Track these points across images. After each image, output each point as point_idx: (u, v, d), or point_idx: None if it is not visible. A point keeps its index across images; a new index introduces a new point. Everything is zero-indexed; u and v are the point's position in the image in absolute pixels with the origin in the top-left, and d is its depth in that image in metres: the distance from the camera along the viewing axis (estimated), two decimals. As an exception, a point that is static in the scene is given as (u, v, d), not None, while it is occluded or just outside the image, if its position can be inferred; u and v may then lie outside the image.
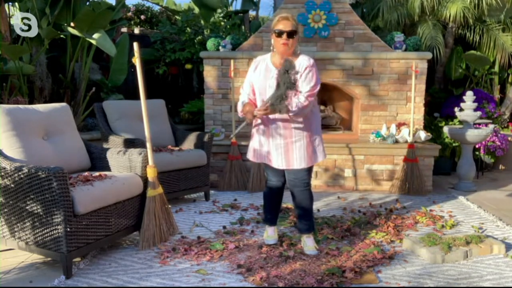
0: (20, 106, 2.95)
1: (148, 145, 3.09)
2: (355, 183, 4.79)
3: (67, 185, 2.49)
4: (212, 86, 5.24)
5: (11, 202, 2.64)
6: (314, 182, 4.77)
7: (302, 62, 2.72)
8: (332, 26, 5.11)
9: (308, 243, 2.95)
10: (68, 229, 2.49)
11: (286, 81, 2.50)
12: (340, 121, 5.63)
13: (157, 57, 6.57)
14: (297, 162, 2.80)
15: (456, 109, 4.81)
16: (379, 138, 4.88)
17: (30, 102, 4.70)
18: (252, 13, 8.66)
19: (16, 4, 5.31)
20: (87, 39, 4.66)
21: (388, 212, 3.89)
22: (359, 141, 4.96)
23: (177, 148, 4.20)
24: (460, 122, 5.17)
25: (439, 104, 6.19)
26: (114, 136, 4.06)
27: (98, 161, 3.27)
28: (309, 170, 2.88)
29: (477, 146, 5.58)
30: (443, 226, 3.50)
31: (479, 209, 4.03)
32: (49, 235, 2.53)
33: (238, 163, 4.72)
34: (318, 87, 2.74)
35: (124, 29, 7.21)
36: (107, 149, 3.28)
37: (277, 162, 2.84)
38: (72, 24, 4.98)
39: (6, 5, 5.01)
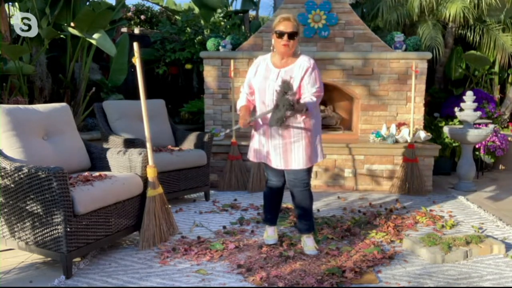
0: (20, 106, 2.96)
1: (148, 145, 3.09)
2: (355, 183, 4.79)
3: (67, 185, 2.49)
4: (212, 86, 5.24)
5: (11, 202, 2.64)
6: (314, 182, 4.77)
7: (303, 63, 2.73)
8: (332, 26, 5.11)
9: (308, 243, 2.95)
10: (68, 229, 2.49)
11: (285, 103, 2.50)
12: (340, 121, 5.63)
13: (157, 57, 6.57)
14: (296, 162, 2.80)
15: (456, 109, 4.81)
16: (379, 138, 4.88)
17: (30, 102, 4.70)
18: (252, 13, 8.66)
19: (16, 4, 5.31)
20: (87, 39, 4.66)
21: (388, 212, 3.89)
22: (359, 141, 4.96)
23: (177, 148, 4.21)
24: (460, 122, 5.18)
25: (439, 104, 6.18)
26: (114, 136, 4.06)
27: (98, 161, 3.27)
28: (308, 170, 2.88)
29: (477, 146, 5.58)
30: (443, 226, 3.50)
31: (479, 209, 4.03)
32: (49, 235, 2.53)
33: (238, 163, 4.72)
34: (322, 93, 2.77)
35: (124, 29, 7.21)
36: (107, 149, 3.28)
37: (276, 162, 2.84)
38: (72, 24, 4.98)
39: (6, 5, 5.01)
